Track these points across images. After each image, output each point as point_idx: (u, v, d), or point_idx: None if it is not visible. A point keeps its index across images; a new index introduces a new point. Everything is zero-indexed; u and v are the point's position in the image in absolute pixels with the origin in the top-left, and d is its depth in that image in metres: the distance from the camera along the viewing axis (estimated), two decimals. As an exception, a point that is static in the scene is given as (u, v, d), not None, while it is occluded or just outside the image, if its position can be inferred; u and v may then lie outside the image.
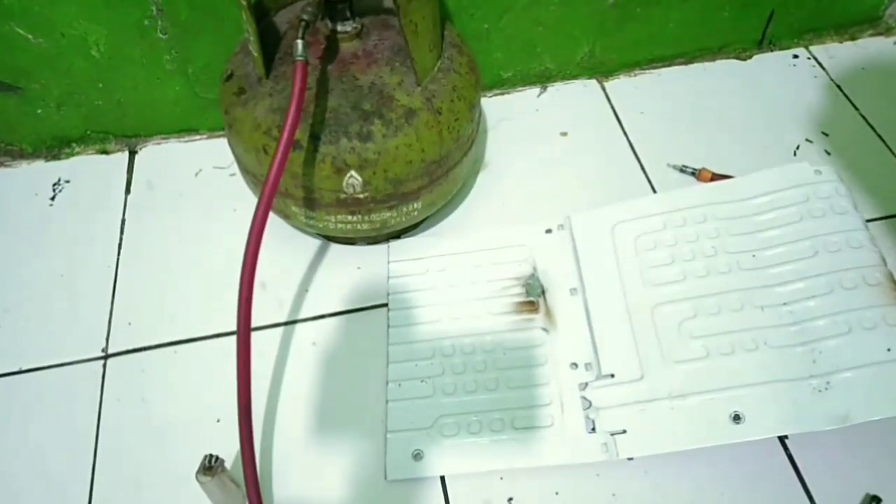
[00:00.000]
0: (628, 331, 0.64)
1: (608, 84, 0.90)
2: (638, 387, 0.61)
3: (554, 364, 0.64)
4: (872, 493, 0.58)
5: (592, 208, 0.73)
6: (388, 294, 0.70)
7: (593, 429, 0.60)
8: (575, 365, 0.64)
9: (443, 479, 0.60)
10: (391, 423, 0.61)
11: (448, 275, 0.70)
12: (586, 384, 0.62)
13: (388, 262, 0.72)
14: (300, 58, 0.53)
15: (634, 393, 0.61)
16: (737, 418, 0.58)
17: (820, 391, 0.59)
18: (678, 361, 0.62)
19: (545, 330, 0.66)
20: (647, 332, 0.64)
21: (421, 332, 0.66)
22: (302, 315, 0.70)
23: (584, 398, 0.61)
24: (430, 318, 0.67)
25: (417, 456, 0.60)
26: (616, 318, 0.65)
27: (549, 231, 0.73)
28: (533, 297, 0.68)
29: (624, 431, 0.59)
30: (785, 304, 0.63)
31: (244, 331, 0.53)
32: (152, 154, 0.85)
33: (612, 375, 0.62)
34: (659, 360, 0.63)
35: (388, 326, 0.67)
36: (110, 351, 0.68)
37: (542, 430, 0.60)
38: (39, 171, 0.83)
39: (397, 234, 0.74)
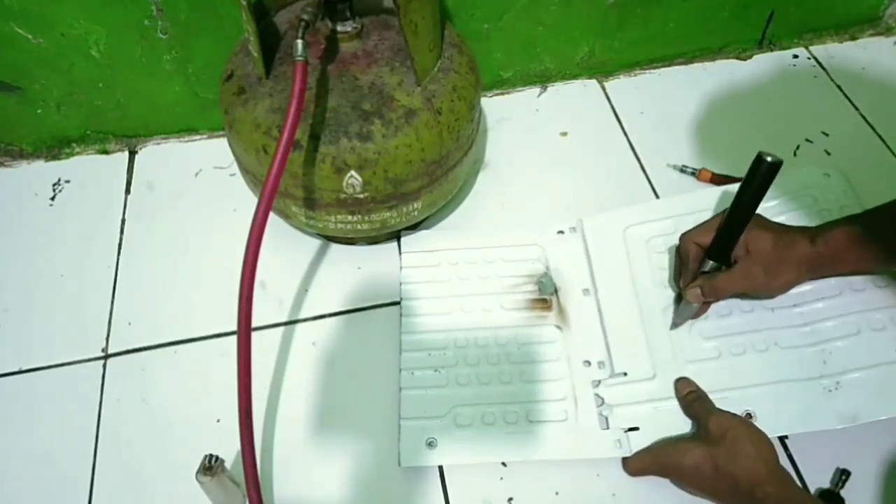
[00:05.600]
0: (640, 331, 0.65)
1: (608, 84, 0.90)
2: (650, 385, 0.62)
3: (567, 361, 0.64)
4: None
5: (601, 210, 0.74)
6: (401, 284, 0.70)
7: (607, 425, 0.60)
8: (588, 363, 0.64)
9: (443, 479, 0.60)
10: (404, 411, 0.62)
11: (460, 269, 0.71)
12: (599, 382, 0.63)
13: (401, 253, 0.72)
14: (300, 58, 0.53)
15: (647, 391, 0.62)
16: (749, 417, 0.59)
17: (830, 391, 0.60)
18: (690, 361, 0.63)
19: (558, 327, 0.66)
20: (659, 333, 0.65)
21: (433, 323, 0.67)
22: (302, 315, 0.70)
23: (597, 395, 0.62)
24: (443, 310, 0.68)
25: (431, 444, 0.60)
26: (628, 318, 0.66)
27: (560, 232, 0.73)
28: (546, 294, 0.68)
29: (637, 428, 0.60)
30: (795, 305, 0.64)
31: (244, 331, 0.53)
32: (152, 154, 0.85)
33: (625, 374, 0.63)
34: (671, 359, 0.63)
35: (401, 315, 0.68)
36: (110, 351, 0.68)
37: (556, 425, 0.61)
38: (39, 171, 0.83)
39: (397, 235, 0.74)
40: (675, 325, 0.65)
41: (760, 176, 0.58)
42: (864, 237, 0.59)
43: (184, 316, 0.70)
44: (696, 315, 0.65)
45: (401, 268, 0.71)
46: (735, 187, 0.66)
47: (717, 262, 0.62)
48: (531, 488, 0.59)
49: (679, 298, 0.65)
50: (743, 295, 0.64)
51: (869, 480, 0.58)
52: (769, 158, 0.58)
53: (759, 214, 0.62)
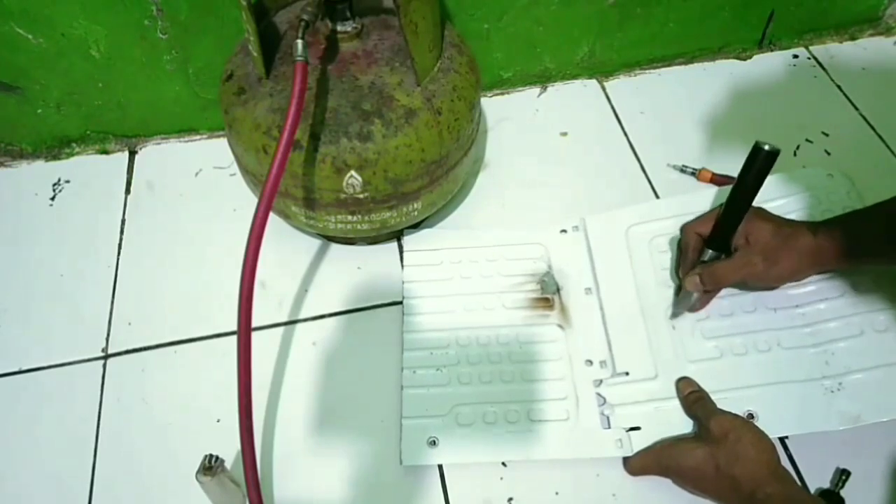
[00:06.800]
0: (643, 330, 0.65)
1: (608, 84, 0.90)
2: (652, 385, 0.62)
3: (569, 360, 0.64)
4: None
5: (600, 211, 0.74)
6: (403, 282, 0.70)
7: (608, 425, 0.60)
8: (590, 362, 0.64)
9: (442, 479, 0.60)
10: (406, 410, 0.62)
11: (463, 267, 0.71)
12: (601, 381, 0.63)
13: (403, 252, 0.73)
14: (300, 58, 0.53)
15: (649, 391, 0.62)
16: (750, 417, 0.59)
17: (832, 392, 0.60)
18: (692, 361, 0.63)
19: (560, 327, 0.66)
20: (661, 332, 0.65)
21: (436, 322, 0.67)
22: (302, 315, 0.70)
23: (598, 395, 0.62)
24: (445, 309, 0.68)
25: (433, 443, 0.60)
26: (631, 317, 0.66)
27: (563, 231, 0.73)
28: (548, 293, 0.68)
29: (638, 428, 0.60)
30: (797, 306, 0.64)
31: (244, 331, 0.53)
32: (152, 154, 0.85)
33: (627, 373, 0.63)
34: (673, 359, 0.63)
35: (403, 314, 0.68)
36: (110, 351, 0.68)
37: (557, 424, 0.61)
38: (39, 171, 0.83)
39: (397, 235, 0.74)
40: (674, 314, 0.65)
41: (758, 165, 0.59)
42: (866, 231, 0.59)
43: (184, 316, 0.70)
44: (696, 308, 0.65)
45: (403, 266, 0.71)
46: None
47: (716, 252, 0.62)
48: (531, 488, 0.59)
49: (679, 289, 0.65)
50: (742, 285, 0.64)
51: (869, 480, 0.58)
52: (766, 147, 0.59)
53: (760, 207, 0.62)
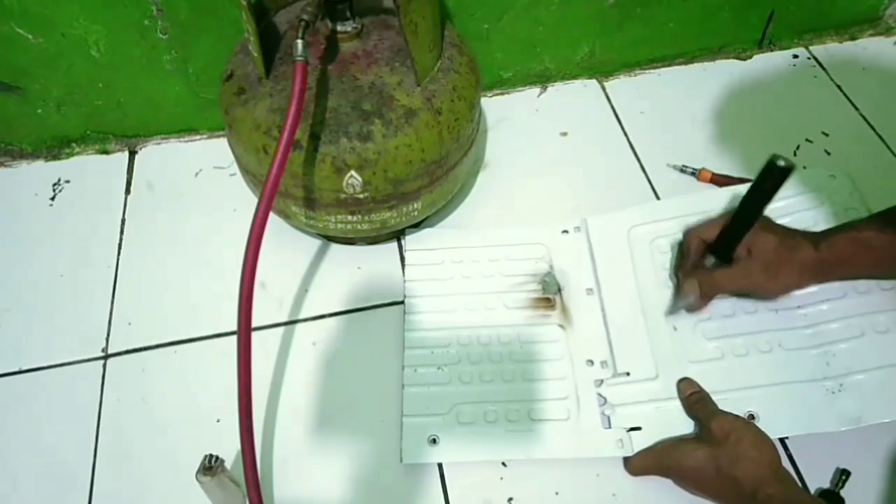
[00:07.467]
0: (644, 331, 0.65)
1: (608, 84, 0.90)
2: (653, 385, 0.62)
3: (570, 360, 0.64)
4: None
5: (601, 211, 0.74)
6: (405, 281, 0.70)
7: (609, 425, 0.60)
8: (591, 362, 0.64)
9: (442, 479, 0.60)
10: (407, 408, 0.62)
11: (464, 267, 0.71)
12: (602, 381, 0.63)
13: (404, 251, 0.73)
14: (300, 58, 0.53)
15: (649, 391, 0.62)
16: (751, 418, 0.59)
17: (833, 393, 0.60)
18: (693, 361, 0.63)
19: (561, 327, 0.66)
20: (662, 333, 0.65)
21: (437, 321, 0.67)
22: (302, 315, 0.70)
23: (599, 395, 0.62)
24: (447, 308, 0.68)
25: (433, 441, 0.60)
26: (632, 318, 0.66)
27: (565, 231, 0.73)
28: (549, 294, 0.68)
29: (639, 428, 0.60)
30: (799, 307, 0.64)
31: (244, 331, 0.53)
32: (152, 154, 0.85)
33: (628, 374, 0.63)
34: (674, 359, 0.63)
35: (404, 313, 0.68)
36: (110, 351, 0.68)
37: (558, 423, 0.61)
38: (39, 171, 0.83)
39: (397, 235, 0.74)
40: (671, 312, 0.65)
41: (771, 179, 0.58)
42: (869, 242, 0.59)
43: (184, 316, 0.70)
44: (693, 310, 0.65)
45: (404, 265, 0.71)
46: (742, 189, 0.67)
47: (717, 259, 0.62)
48: (531, 488, 0.59)
49: (678, 289, 0.66)
50: (741, 294, 0.64)
51: (869, 480, 0.58)
52: (781, 163, 0.57)
53: (764, 216, 0.62)
